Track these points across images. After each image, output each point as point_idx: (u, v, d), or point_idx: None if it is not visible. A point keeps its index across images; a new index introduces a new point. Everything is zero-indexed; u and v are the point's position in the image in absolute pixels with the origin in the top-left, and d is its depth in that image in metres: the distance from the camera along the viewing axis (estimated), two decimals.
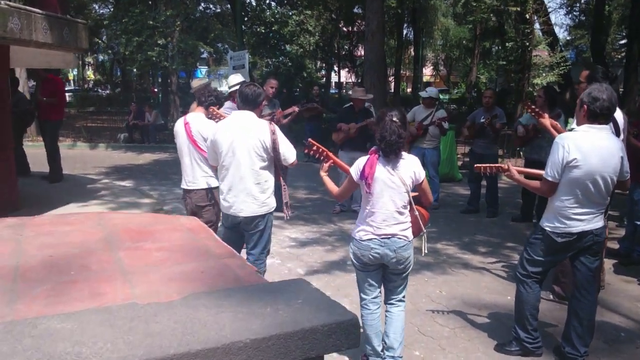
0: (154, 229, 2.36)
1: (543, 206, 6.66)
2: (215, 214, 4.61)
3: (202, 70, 42.78)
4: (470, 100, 21.70)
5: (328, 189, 3.51)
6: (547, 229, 3.62)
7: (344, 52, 29.52)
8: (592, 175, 3.37)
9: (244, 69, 12.21)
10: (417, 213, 3.30)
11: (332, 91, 34.83)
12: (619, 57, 29.33)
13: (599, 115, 3.43)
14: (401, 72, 34.27)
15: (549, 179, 3.51)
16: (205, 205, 4.59)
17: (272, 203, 4.03)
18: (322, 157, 3.54)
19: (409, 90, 40.37)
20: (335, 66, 31.22)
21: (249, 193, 3.89)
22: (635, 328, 4.29)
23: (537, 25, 14.64)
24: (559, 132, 5.17)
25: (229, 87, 6.43)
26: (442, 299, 4.75)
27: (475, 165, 3.99)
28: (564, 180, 3.46)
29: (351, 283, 5.08)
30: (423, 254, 3.51)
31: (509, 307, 4.61)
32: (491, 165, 3.92)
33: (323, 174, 3.53)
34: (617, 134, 4.21)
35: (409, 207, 3.26)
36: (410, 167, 3.21)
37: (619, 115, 4.39)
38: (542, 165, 6.92)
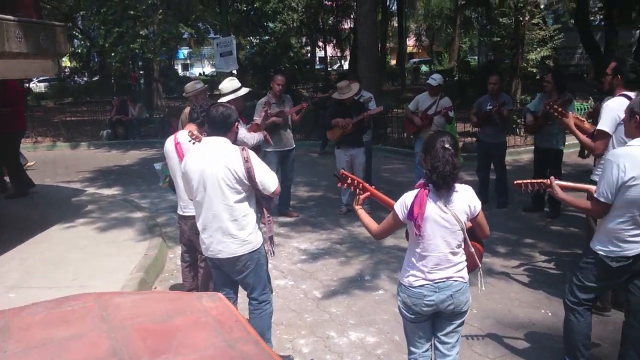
0: (173, 325, 1.91)
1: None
2: None
3: (184, 51, 41.73)
4: (458, 74, 21.25)
5: (365, 226, 3.07)
6: (600, 252, 3.27)
7: (328, 27, 28.85)
8: None
9: (232, 55, 11.64)
10: (472, 249, 2.90)
11: (318, 67, 34.29)
12: (595, 20, 29.14)
13: None
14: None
15: (602, 199, 3.15)
16: None
17: (257, 239, 3.54)
18: (357, 190, 3.09)
19: (392, 62, 39.91)
20: (320, 42, 30.58)
21: (226, 232, 3.41)
22: None
23: None
24: (585, 131, 4.78)
25: (222, 96, 5.33)
26: (475, 320, 4.39)
27: (515, 182, 3.60)
28: (620, 201, 3.11)
29: (373, 306, 4.77)
30: (480, 291, 3.11)
31: (547, 324, 4.36)
32: (532, 181, 3.53)
33: (358, 207, 3.07)
34: None
35: (463, 244, 2.86)
36: (465, 200, 2.79)
37: None
38: (552, 154, 6.73)
